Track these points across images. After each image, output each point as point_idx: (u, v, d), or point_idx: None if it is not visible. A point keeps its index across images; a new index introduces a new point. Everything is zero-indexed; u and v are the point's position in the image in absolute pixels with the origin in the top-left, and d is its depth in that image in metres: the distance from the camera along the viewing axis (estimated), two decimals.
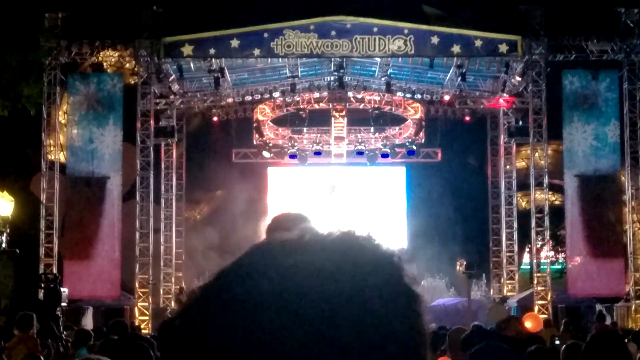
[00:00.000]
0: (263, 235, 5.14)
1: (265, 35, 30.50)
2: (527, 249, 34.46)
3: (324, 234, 1.16)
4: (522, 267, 35.19)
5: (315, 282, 1.08)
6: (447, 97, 34.04)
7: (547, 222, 30.82)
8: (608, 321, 28.07)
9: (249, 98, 34.61)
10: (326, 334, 1.05)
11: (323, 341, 1.05)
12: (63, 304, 25.35)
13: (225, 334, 1.07)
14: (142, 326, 27.88)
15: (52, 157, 30.75)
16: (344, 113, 35.38)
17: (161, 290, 32.91)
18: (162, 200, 34.08)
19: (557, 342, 19.24)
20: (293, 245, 1.14)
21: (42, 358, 10.25)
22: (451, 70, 32.35)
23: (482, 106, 34.52)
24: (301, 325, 1.05)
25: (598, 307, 27.70)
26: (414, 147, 34.81)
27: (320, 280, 1.08)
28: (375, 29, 30.57)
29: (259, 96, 34.62)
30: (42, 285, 25.55)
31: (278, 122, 35.89)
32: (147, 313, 30.09)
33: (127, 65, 32.04)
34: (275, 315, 1.05)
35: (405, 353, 1.10)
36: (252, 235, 32.74)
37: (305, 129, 35.37)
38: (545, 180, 30.89)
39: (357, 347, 1.06)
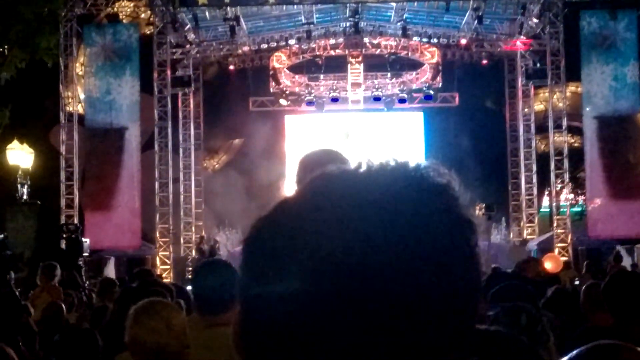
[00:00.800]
0: (285, 181, 5.10)
1: None
2: (546, 192, 34.39)
3: (381, 164, 1.20)
4: (541, 210, 35.16)
5: (377, 210, 1.10)
6: (463, 41, 33.81)
7: (566, 165, 30.78)
8: (628, 262, 28.17)
9: (264, 46, 34.51)
10: (390, 259, 1.08)
11: (388, 266, 1.08)
12: (85, 254, 25.61)
13: (294, 261, 1.10)
14: (163, 275, 28.12)
15: (71, 109, 30.88)
16: (360, 59, 35.24)
17: (182, 239, 33.13)
18: (181, 150, 34.17)
19: (577, 282, 19.33)
20: (352, 175, 1.18)
21: (63, 306, 10.36)
22: (467, 13, 32.10)
23: (499, 49, 34.29)
24: (366, 251, 1.08)
25: (618, 248, 27.73)
26: (431, 92, 34.70)
27: (381, 209, 1.10)
28: None
29: (275, 44, 34.51)
30: (64, 235, 25.80)
31: (294, 69, 35.81)
32: (169, 262, 30.36)
33: (143, 15, 32.04)
34: (341, 242, 1.08)
35: (462, 278, 1.12)
36: (270, 183, 32.88)
37: (321, 76, 35.27)
38: (564, 123, 30.79)
39: (418, 270, 1.08)
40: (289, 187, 5.95)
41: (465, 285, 1.13)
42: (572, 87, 32.93)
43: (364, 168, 1.19)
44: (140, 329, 4.74)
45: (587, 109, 30.38)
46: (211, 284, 5.16)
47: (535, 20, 31.64)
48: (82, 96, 31.24)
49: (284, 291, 1.10)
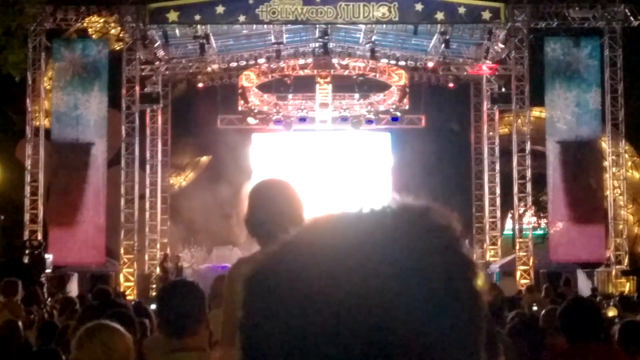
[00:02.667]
0: (245, 199, 5.17)
1: (251, 1, 30.54)
2: (509, 215, 34.75)
3: (380, 207, 1.19)
4: (504, 232, 35.49)
5: (377, 255, 1.10)
6: (430, 64, 34.14)
7: (529, 188, 31.11)
8: (588, 286, 28.51)
9: (234, 64, 34.67)
10: (391, 302, 1.09)
11: (389, 311, 1.08)
12: (47, 270, 25.55)
13: (289, 309, 1.11)
14: (127, 292, 28.11)
15: (37, 123, 30.82)
16: (328, 79, 35.44)
17: (146, 257, 33.06)
18: (147, 167, 34.16)
19: (535, 307, 19.56)
20: (353, 219, 1.18)
21: (20, 324, 10.36)
22: (435, 37, 32.49)
23: (465, 73, 34.67)
24: (364, 298, 1.08)
25: (565, 274, 28.00)
26: (398, 114, 34.98)
27: (382, 254, 1.11)
28: None
29: (244, 62, 34.68)
30: (27, 251, 25.71)
31: (263, 88, 35.95)
32: (132, 279, 30.31)
33: (113, 31, 32.06)
34: (338, 288, 1.09)
35: (465, 321, 1.13)
36: (237, 201, 32.93)
37: (290, 96, 35.44)
38: (528, 147, 31.14)
39: (419, 312, 1.09)
40: (241, 216, 6.05)
41: (468, 326, 1.13)
42: (536, 112, 33.31)
43: (365, 210, 1.19)
44: (81, 353, 4.82)
45: (550, 133, 30.76)
46: (178, 306, 5.09)
47: (501, 45, 32.06)
48: (49, 110, 31.19)
49: (282, 335, 1.11)
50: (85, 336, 4.80)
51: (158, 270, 31.30)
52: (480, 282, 1.17)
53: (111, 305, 8.53)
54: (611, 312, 17.29)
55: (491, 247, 34.33)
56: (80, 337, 4.80)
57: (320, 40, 33.22)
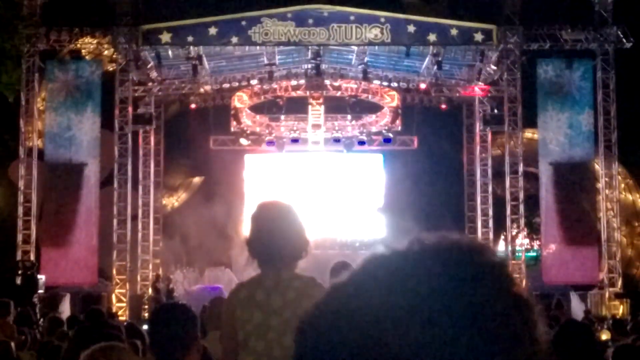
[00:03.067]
0: (244, 221, 5.22)
1: (243, 23, 30.62)
2: (502, 237, 34.76)
3: (433, 243, 1.18)
4: None
5: (434, 295, 1.09)
6: (423, 85, 34.20)
7: (522, 210, 31.12)
8: (581, 308, 28.48)
9: (226, 85, 34.70)
10: (450, 345, 1.07)
11: (446, 356, 1.07)
12: (40, 291, 25.46)
13: (343, 356, 1.10)
14: (119, 313, 28.02)
15: (30, 144, 30.79)
16: (321, 101, 35.49)
17: (138, 277, 32.96)
18: (140, 187, 34.10)
19: None
20: (405, 258, 1.16)
21: (12, 344, 10.31)
22: (427, 58, 32.57)
23: (457, 94, 34.72)
24: (422, 337, 1.08)
25: (558, 296, 28.01)
26: (391, 135, 35.01)
27: (439, 294, 1.10)
28: (352, 17, 30.75)
29: (237, 84, 34.71)
30: (19, 272, 25.62)
31: (255, 109, 35.96)
32: (125, 300, 30.24)
33: (106, 52, 32.09)
34: (394, 335, 1.08)
35: (517, 353, 1.11)
36: (230, 221, 32.92)
37: (282, 117, 35.47)
38: (520, 168, 31.18)
39: (479, 354, 1.08)
40: (244, 235, 6.11)
41: None
42: (528, 134, 33.36)
43: (416, 248, 1.18)
44: None
45: (543, 155, 30.79)
46: (168, 330, 5.09)
47: (493, 67, 32.14)
48: (42, 131, 31.17)
49: None
50: (93, 358, 4.78)
51: (150, 291, 31.22)
52: (539, 321, 1.16)
53: (102, 326, 8.49)
54: (604, 336, 17.26)
55: None
56: (91, 355, 4.79)
57: (312, 61, 33.28)
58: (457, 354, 1.07)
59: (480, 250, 1.17)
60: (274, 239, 5.00)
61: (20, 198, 30.20)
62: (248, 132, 35.46)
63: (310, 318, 1.17)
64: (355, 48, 32.67)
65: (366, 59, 33.45)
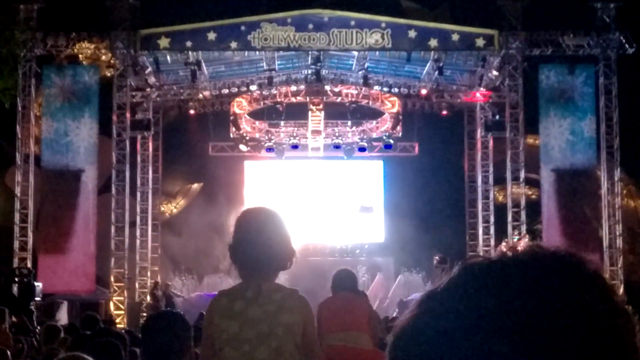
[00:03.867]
0: (232, 226, 5.11)
1: (242, 28, 30.43)
2: (503, 243, 34.49)
3: (526, 252, 1.15)
4: None
5: (534, 304, 1.07)
6: (424, 91, 34.03)
7: (523, 217, 30.93)
8: None
9: (225, 91, 34.49)
10: (558, 353, 1.05)
11: (551, 355, 1.05)
12: (37, 299, 25.23)
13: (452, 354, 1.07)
14: (117, 320, 27.77)
15: (27, 150, 30.55)
16: (321, 107, 35.31)
17: (137, 284, 32.71)
18: (138, 194, 33.88)
19: None
20: (501, 266, 1.13)
21: (8, 353, 10.11)
22: (428, 64, 32.38)
23: (459, 100, 34.52)
24: (528, 346, 1.05)
25: None
26: (391, 141, 34.77)
27: (539, 302, 1.07)
28: (352, 23, 30.56)
29: (236, 89, 34.51)
30: (16, 279, 25.39)
31: (255, 115, 35.79)
32: (123, 307, 29.99)
33: (103, 57, 31.82)
34: (498, 335, 1.05)
35: None
36: (228, 228, 32.72)
37: (282, 123, 35.24)
38: (522, 175, 30.99)
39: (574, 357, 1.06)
40: (228, 244, 5.96)
41: None
42: (530, 140, 33.16)
43: (509, 256, 1.15)
44: None
45: (545, 161, 30.60)
46: (161, 338, 5.10)
47: (495, 72, 31.95)
48: (39, 137, 30.94)
49: None
50: None
51: (149, 298, 30.97)
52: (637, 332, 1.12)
53: (102, 333, 8.29)
54: None
55: None
56: None
57: (312, 67, 33.09)
58: (563, 350, 1.05)
59: (580, 259, 1.15)
60: (257, 249, 4.89)
61: (17, 205, 29.96)
62: (247, 138, 35.27)
63: (406, 329, 1.13)
64: (355, 53, 32.48)
65: (367, 64, 33.27)
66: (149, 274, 33.48)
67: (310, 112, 35.37)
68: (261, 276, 4.93)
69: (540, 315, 1.06)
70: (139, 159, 34.05)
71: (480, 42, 30.54)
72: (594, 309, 1.08)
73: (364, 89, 34.32)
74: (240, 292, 4.96)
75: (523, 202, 30.90)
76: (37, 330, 18.89)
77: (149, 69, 32.22)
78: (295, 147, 34.95)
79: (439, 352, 1.08)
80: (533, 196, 33.46)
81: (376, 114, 35.68)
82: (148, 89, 33.48)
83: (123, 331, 12.53)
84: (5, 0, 27.18)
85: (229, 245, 5.01)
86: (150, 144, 34.51)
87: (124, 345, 7.36)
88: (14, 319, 15.10)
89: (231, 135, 35.15)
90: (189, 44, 30.52)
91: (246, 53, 31.56)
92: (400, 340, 1.13)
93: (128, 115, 31.29)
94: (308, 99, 35.13)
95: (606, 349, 1.07)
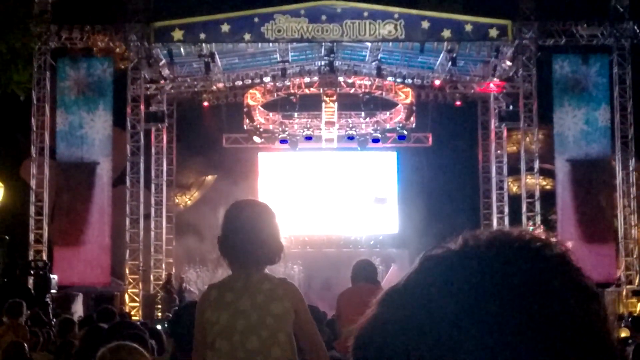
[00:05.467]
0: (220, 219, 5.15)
1: (256, 19, 30.42)
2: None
3: (487, 238, 1.11)
4: None
5: (497, 291, 1.04)
6: (437, 82, 33.98)
7: (538, 207, 30.87)
8: None
9: (239, 83, 34.51)
10: (520, 342, 1.02)
11: (517, 343, 1.02)
12: (52, 291, 25.33)
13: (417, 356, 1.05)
14: (132, 313, 27.85)
15: (42, 143, 30.63)
16: (334, 98, 35.29)
17: (151, 277, 32.77)
18: (153, 186, 33.95)
19: None
20: (462, 256, 1.10)
21: (26, 346, 10.17)
22: (442, 54, 32.30)
23: (472, 91, 34.46)
24: (493, 337, 1.02)
25: None
26: (405, 132, 34.72)
27: (502, 289, 1.04)
28: (365, 14, 30.51)
29: (250, 81, 34.53)
30: (32, 272, 25.50)
31: (268, 107, 35.79)
32: (138, 299, 30.07)
33: (117, 50, 31.87)
34: (461, 329, 1.03)
35: (592, 348, 1.06)
36: None
37: (295, 114, 35.21)
38: (536, 165, 30.93)
39: (549, 350, 1.03)
40: (218, 236, 5.98)
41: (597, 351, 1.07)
42: (544, 130, 33.06)
43: (470, 244, 1.11)
44: None
45: (559, 152, 30.53)
46: (192, 327, 5.12)
47: (508, 63, 31.86)
48: (54, 130, 31.02)
49: None
50: (108, 356, 4.78)
51: (162, 291, 31.05)
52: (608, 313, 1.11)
53: (127, 326, 8.33)
54: (623, 333, 17.08)
55: None
56: (103, 356, 4.77)
57: (326, 58, 33.09)
58: (534, 351, 1.01)
59: (546, 243, 1.11)
60: (247, 241, 4.93)
61: (32, 197, 30.05)
62: (261, 130, 35.28)
63: (367, 329, 1.10)
64: (369, 44, 32.43)
65: (380, 55, 33.23)
66: (163, 266, 33.56)
67: (323, 104, 35.36)
68: (250, 268, 4.97)
69: (506, 304, 1.03)
70: (153, 151, 34.12)
71: (493, 32, 30.46)
72: (563, 294, 1.05)
73: (377, 80, 34.28)
74: (229, 284, 5.02)
75: (537, 193, 30.84)
76: (52, 322, 18.98)
77: (163, 61, 32.26)
78: (309, 138, 34.94)
79: (399, 349, 1.05)
80: (547, 187, 33.39)
81: (390, 105, 35.64)
82: (162, 81, 33.54)
83: (139, 323, 12.59)
84: None
85: (218, 237, 5.06)
86: (165, 136, 34.58)
87: (146, 339, 7.41)
88: (28, 311, 15.15)
89: (245, 127, 35.17)
90: (202, 36, 30.53)
91: (259, 45, 31.55)
92: (361, 340, 1.10)
93: (142, 107, 31.36)
94: (321, 90, 35.12)
95: (581, 333, 1.04)
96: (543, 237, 1.12)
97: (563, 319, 1.04)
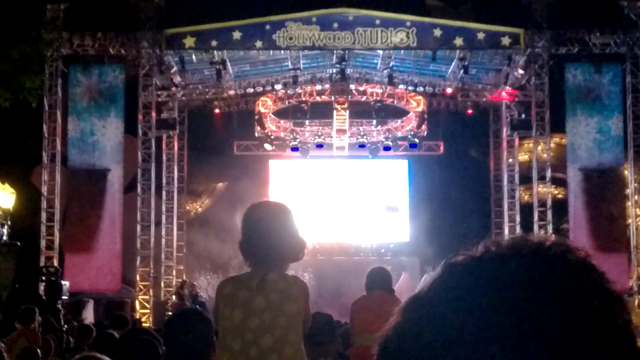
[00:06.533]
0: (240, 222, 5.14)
1: (267, 27, 30.42)
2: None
3: (511, 245, 1.12)
4: None
5: (523, 296, 1.04)
6: (449, 90, 33.92)
7: (549, 216, 30.75)
8: None
9: (250, 90, 34.51)
10: (545, 345, 1.02)
11: (545, 348, 1.02)
12: (64, 297, 25.30)
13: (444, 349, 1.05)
14: (142, 319, 27.84)
15: (54, 149, 30.66)
16: (346, 105, 35.27)
17: (162, 284, 32.78)
18: (164, 193, 33.98)
19: None
20: (486, 263, 1.11)
21: (39, 351, 10.16)
22: (453, 62, 32.26)
23: (484, 99, 34.39)
24: (520, 342, 1.02)
25: None
26: (416, 140, 34.67)
27: (529, 294, 1.04)
28: (377, 21, 30.50)
29: (261, 88, 34.52)
30: (43, 278, 25.50)
31: (280, 114, 35.77)
32: (148, 306, 30.07)
33: (129, 56, 31.91)
34: (489, 336, 1.03)
35: (619, 351, 1.06)
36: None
37: (307, 122, 35.19)
38: (548, 174, 30.83)
39: (569, 347, 1.02)
40: (238, 242, 5.98)
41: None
42: (556, 139, 33.01)
43: (492, 251, 1.12)
44: None
45: (572, 161, 30.43)
46: (185, 336, 5.13)
47: (520, 71, 31.79)
48: (66, 136, 31.04)
49: None
50: None
51: (174, 297, 31.03)
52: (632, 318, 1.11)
53: (140, 333, 8.31)
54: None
55: None
56: None
57: (337, 66, 33.06)
58: (562, 355, 1.01)
59: (567, 248, 1.11)
60: (266, 240, 4.95)
61: (44, 204, 30.08)
62: (272, 137, 35.27)
63: (392, 338, 1.10)
64: (380, 52, 32.40)
65: (392, 63, 33.20)
66: (174, 272, 33.56)
67: (335, 111, 35.34)
68: (269, 267, 4.98)
69: (531, 311, 1.03)
70: (164, 158, 34.15)
71: (505, 40, 30.39)
72: (587, 298, 1.06)
73: (389, 87, 34.25)
74: (245, 282, 5.00)
75: (549, 202, 30.73)
76: (63, 328, 18.95)
77: (175, 68, 32.29)
78: (320, 146, 34.92)
79: (426, 358, 1.06)
80: (559, 195, 33.29)
81: (401, 113, 35.60)
82: (173, 88, 33.56)
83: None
84: (32, 0, 27.26)
85: (239, 242, 5.04)
86: (176, 143, 34.60)
87: (160, 344, 7.38)
88: (40, 317, 15.14)
89: (256, 134, 35.17)
90: (214, 43, 30.54)
91: (271, 52, 31.54)
92: (386, 349, 1.10)
93: (154, 114, 31.38)
94: (333, 98, 35.10)
95: (607, 337, 1.05)
96: (565, 242, 1.13)
97: (589, 322, 1.04)
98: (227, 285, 5.06)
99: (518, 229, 33.27)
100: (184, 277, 32.72)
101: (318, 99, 35.03)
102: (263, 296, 4.92)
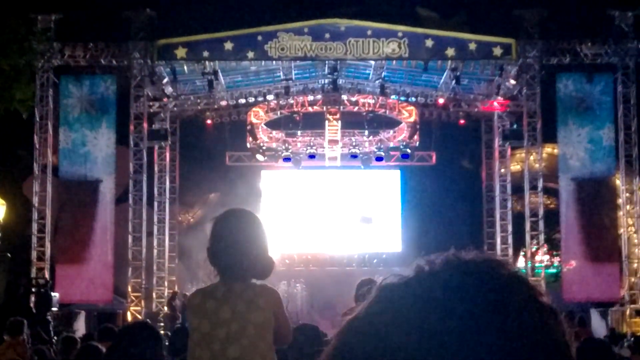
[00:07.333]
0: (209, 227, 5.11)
1: (259, 38, 30.43)
2: (521, 253, 34.36)
3: (443, 263, 1.13)
4: None
5: (457, 313, 1.05)
6: (441, 100, 33.95)
7: (541, 226, 30.76)
8: (602, 325, 28.07)
9: (242, 101, 34.50)
10: (477, 356, 1.03)
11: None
12: (54, 309, 25.24)
13: None
14: None
15: (45, 160, 30.61)
16: (338, 116, 35.27)
17: (154, 295, 32.68)
18: (155, 204, 33.91)
19: None
20: (418, 282, 1.12)
21: None
22: (445, 73, 32.30)
23: (476, 109, 34.42)
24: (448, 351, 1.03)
25: (579, 313, 27.62)
26: (408, 151, 34.68)
27: (463, 311, 1.05)
28: (369, 32, 30.53)
29: (253, 99, 34.51)
30: (33, 289, 25.41)
31: (272, 125, 35.75)
32: (140, 317, 29.94)
33: (121, 67, 31.89)
34: (428, 350, 1.03)
35: None
36: None
37: (299, 132, 35.19)
38: (540, 184, 30.85)
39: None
40: (206, 248, 5.94)
41: None
42: (548, 149, 33.04)
43: (426, 270, 1.13)
44: None
45: (563, 170, 30.47)
46: (133, 349, 5.17)
47: (512, 81, 31.84)
48: (57, 147, 30.99)
49: None
50: None
51: (166, 308, 30.93)
52: (566, 329, 1.11)
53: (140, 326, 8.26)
54: (625, 353, 17.01)
55: None
56: None
57: (329, 76, 33.06)
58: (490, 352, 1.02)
59: (499, 263, 1.13)
60: (229, 249, 4.93)
61: (35, 215, 30.02)
62: (264, 147, 35.24)
63: (333, 355, 1.12)
64: (372, 63, 32.43)
65: (384, 73, 33.22)
66: (166, 283, 33.46)
67: (327, 122, 35.34)
68: (234, 276, 4.95)
69: (463, 326, 1.03)
70: (156, 168, 34.10)
71: (497, 51, 30.45)
72: (519, 311, 1.06)
73: (381, 98, 34.25)
74: (212, 292, 4.99)
75: (541, 212, 30.74)
76: (53, 340, 18.89)
77: (166, 79, 32.27)
78: (312, 156, 34.89)
79: None
80: (551, 205, 33.30)
81: (393, 123, 35.60)
82: (165, 99, 33.54)
83: None
84: (23, 11, 27.24)
85: (207, 249, 5.02)
86: (168, 154, 34.55)
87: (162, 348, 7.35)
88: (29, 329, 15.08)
89: (248, 145, 35.14)
90: (205, 54, 30.53)
91: (263, 63, 31.58)
92: None
93: (145, 125, 31.35)
94: (325, 108, 35.10)
95: (538, 350, 1.05)
96: (497, 258, 1.14)
97: (521, 337, 1.05)
98: (196, 297, 5.06)
99: (510, 239, 33.30)
100: (176, 288, 32.59)
101: (310, 109, 35.03)
102: (229, 306, 4.91)
